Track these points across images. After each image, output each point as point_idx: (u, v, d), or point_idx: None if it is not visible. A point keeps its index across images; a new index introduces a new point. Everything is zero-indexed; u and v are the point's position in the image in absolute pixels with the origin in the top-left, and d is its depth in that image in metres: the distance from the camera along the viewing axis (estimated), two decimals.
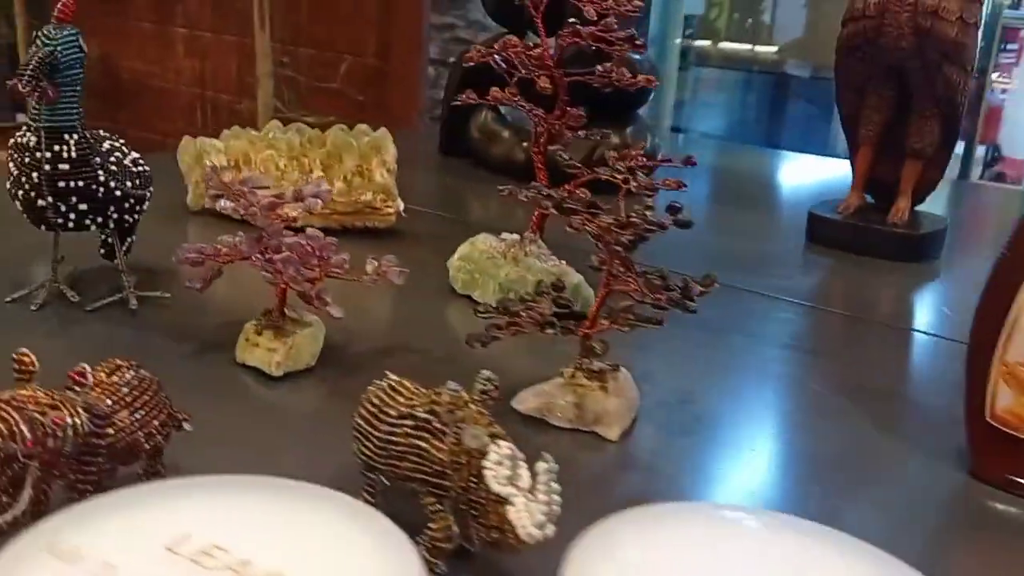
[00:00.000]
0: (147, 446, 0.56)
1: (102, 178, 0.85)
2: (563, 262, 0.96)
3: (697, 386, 0.83)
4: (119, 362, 0.57)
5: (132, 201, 0.88)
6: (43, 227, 0.86)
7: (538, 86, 0.92)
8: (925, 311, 1.15)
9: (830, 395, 0.84)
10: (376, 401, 0.57)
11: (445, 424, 0.53)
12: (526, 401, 0.74)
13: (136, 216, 0.91)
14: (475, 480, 0.52)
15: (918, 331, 1.03)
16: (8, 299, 0.88)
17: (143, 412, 0.56)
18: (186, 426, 0.59)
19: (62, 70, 0.80)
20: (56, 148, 0.82)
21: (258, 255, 0.75)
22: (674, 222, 0.70)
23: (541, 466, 0.50)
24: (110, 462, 0.54)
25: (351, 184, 1.15)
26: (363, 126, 1.20)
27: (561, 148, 0.88)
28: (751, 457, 0.73)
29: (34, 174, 0.82)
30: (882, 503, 0.67)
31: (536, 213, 0.97)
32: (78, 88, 0.82)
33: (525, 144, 1.54)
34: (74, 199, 0.83)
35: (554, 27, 1.54)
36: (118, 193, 0.86)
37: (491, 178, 1.59)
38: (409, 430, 0.54)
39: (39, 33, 0.81)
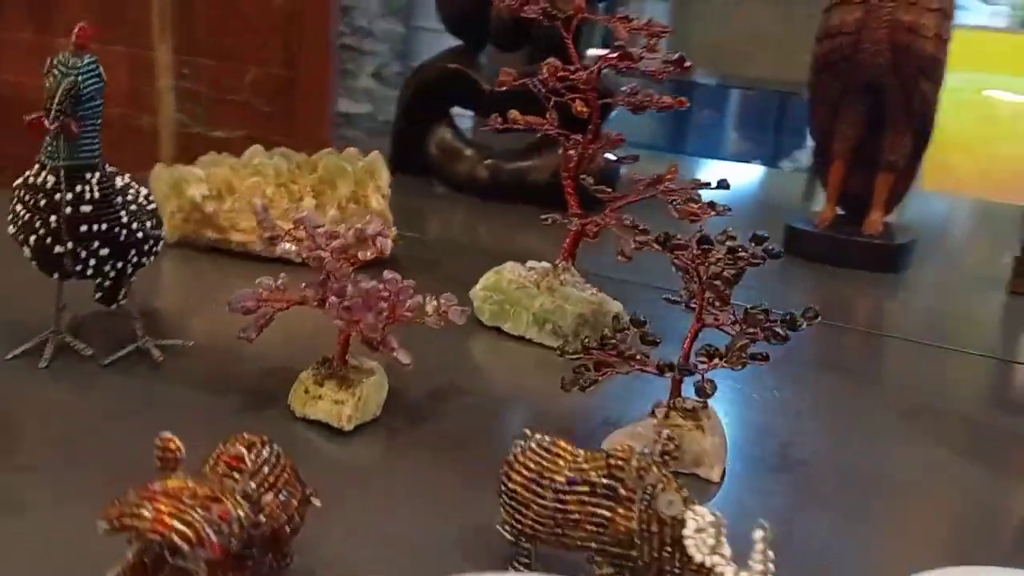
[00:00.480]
0: (288, 531, 0.50)
1: (124, 219, 0.77)
2: (596, 290, 0.94)
3: (734, 409, 0.82)
4: (251, 437, 0.51)
5: (151, 243, 0.81)
6: (56, 275, 0.78)
7: (575, 109, 0.89)
8: (932, 319, 1.17)
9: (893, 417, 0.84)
10: (534, 466, 0.53)
11: (632, 490, 0.50)
12: (619, 443, 0.71)
13: (151, 259, 0.83)
14: (669, 550, 0.49)
15: (937, 346, 1.05)
16: (11, 355, 0.80)
17: (286, 493, 0.50)
18: (315, 501, 0.54)
19: (83, 102, 0.72)
20: (77, 188, 0.74)
21: (333, 300, 0.69)
22: (764, 252, 0.68)
23: (758, 534, 0.47)
24: (262, 554, 0.48)
25: (346, 211, 1.09)
26: (352, 150, 1.14)
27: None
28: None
29: (52, 218, 0.74)
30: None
31: (568, 240, 0.94)
32: (98, 122, 0.75)
33: (488, 162, 1.51)
34: (96, 244, 0.76)
35: (515, 43, 1.52)
36: (140, 235, 0.79)
37: (454, 196, 1.55)
38: (585, 497, 0.51)
39: (55, 62, 0.73)
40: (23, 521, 0.59)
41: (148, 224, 0.80)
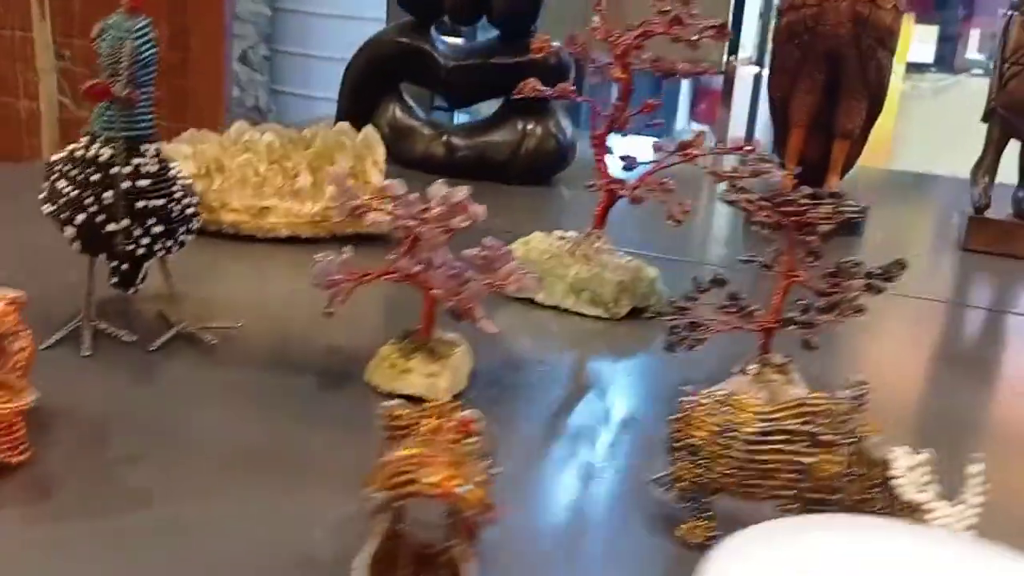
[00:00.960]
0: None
1: (178, 194, 0.72)
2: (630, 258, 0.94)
3: None
4: (447, 404, 0.49)
5: (196, 221, 0.76)
6: (105, 257, 0.72)
7: (612, 76, 0.89)
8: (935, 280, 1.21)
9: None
10: (717, 420, 0.53)
11: (835, 435, 0.50)
12: None
13: (191, 238, 0.78)
14: (876, 492, 0.50)
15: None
16: (45, 345, 0.73)
17: (488, 461, 0.48)
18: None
19: (140, 68, 0.67)
20: (135, 161, 0.69)
21: (440, 269, 0.67)
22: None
23: (973, 468, 0.48)
24: None
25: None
26: (344, 124, 1.10)
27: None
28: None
29: (106, 193, 0.69)
30: None
31: (599, 207, 0.93)
32: (153, 90, 0.70)
33: (445, 138, 1.48)
34: (151, 220, 0.71)
35: (471, 17, 1.50)
36: (189, 211, 0.74)
37: (409, 175, 1.51)
38: (782, 445, 0.51)
39: (106, 25, 0.68)
40: (208, 508, 0.55)
41: (194, 200, 0.75)
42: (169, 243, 0.73)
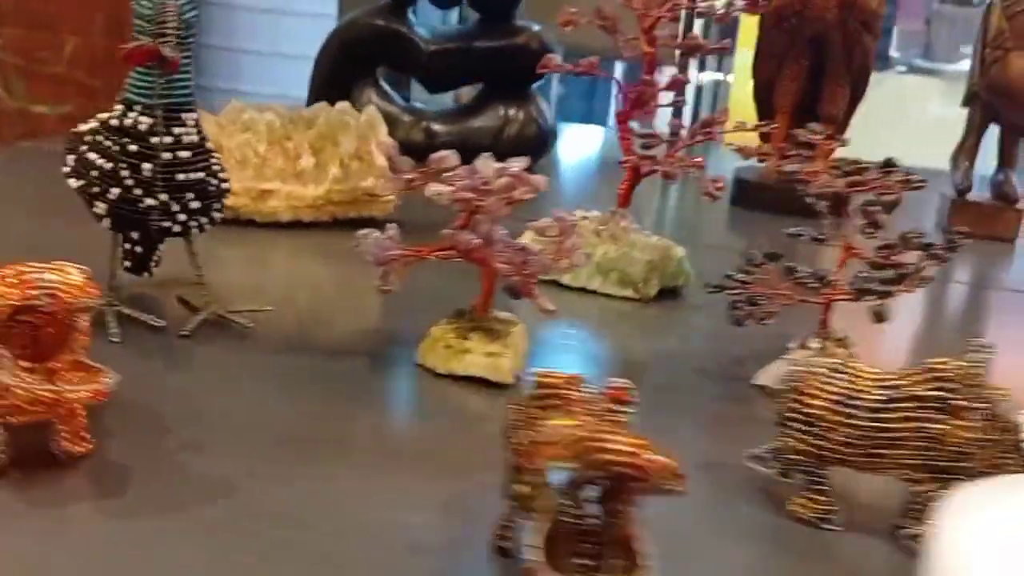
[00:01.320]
0: None
1: (216, 167, 0.68)
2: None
3: None
4: (572, 373, 0.46)
5: (226, 196, 0.72)
6: (136, 235, 0.68)
7: (637, 50, 0.87)
8: None
9: None
10: (836, 388, 0.51)
11: (967, 400, 0.49)
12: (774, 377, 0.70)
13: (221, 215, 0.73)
14: (1010, 456, 0.49)
15: None
16: None
17: None
18: None
19: (185, 29, 0.63)
20: (176, 131, 0.64)
21: (507, 243, 0.64)
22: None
23: None
24: None
25: (349, 170, 1.01)
26: (345, 103, 1.06)
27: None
28: None
29: (145, 165, 0.64)
30: None
31: (624, 185, 0.91)
32: (191, 55, 0.65)
33: (424, 125, 1.44)
34: (190, 195, 0.66)
35: (451, 1, 1.46)
36: (225, 185, 0.70)
37: None
38: (911, 412, 0.49)
39: None
40: (295, 495, 0.52)
41: (227, 175, 0.71)
42: (204, 220, 0.69)
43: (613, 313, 0.87)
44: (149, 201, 0.65)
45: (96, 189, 0.65)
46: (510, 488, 0.43)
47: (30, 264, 0.48)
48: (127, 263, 0.78)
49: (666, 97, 0.91)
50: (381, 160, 1.03)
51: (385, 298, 0.83)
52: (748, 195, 1.37)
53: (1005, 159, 1.33)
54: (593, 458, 0.36)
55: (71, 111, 2.57)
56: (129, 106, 0.64)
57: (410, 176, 0.67)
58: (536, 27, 1.45)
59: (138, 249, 0.76)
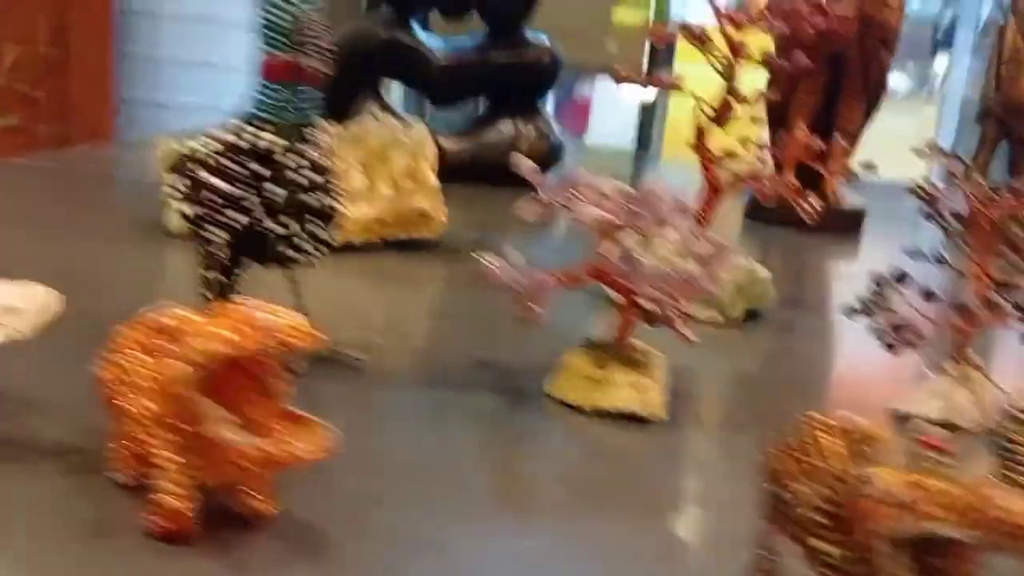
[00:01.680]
0: None
1: (336, 191, 0.63)
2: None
3: None
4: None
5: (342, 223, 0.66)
6: (262, 265, 0.62)
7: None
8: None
9: None
10: None
11: None
12: (919, 405, 0.68)
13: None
14: None
15: None
16: None
17: None
18: None
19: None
20: (308, 153, 0.59)
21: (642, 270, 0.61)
22: None
23: None
24: None
25: (400, 189, 0.97)
26: (391, 119, 1.01)
27: None
28: None
29: (277, 189, 0.58)
30: None
31: (705, 203, 0.88)
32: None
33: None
34: (318, 221, 0.61)
35: (461, 10, 1.42)
36: (342, 210, 0.64)
37: None
38: None
39: None
40: (504, 548, 0.48)
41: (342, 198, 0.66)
42: (324, 247, 0.63)
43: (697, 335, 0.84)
44: (277, 228, 0.59)
45: (219, 216, 0.59)
46: (813, 545, 0.39)
47: (247, 303, 0.42)
48: (206, 291, 0.72)
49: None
50: (433, 180, 0.99)
51: (469, 325, 0.79)
52: (761, 208, 1.36)
53: (1015, 174, 1.35)
54: (987, 518, 0.33)
55: (17, 123, 2.44)
56: (254, 124, 0.58)
57: (558, 201, 0.63)
58: (544, 39, 1.42)
59: (228, 278, 0.70)
